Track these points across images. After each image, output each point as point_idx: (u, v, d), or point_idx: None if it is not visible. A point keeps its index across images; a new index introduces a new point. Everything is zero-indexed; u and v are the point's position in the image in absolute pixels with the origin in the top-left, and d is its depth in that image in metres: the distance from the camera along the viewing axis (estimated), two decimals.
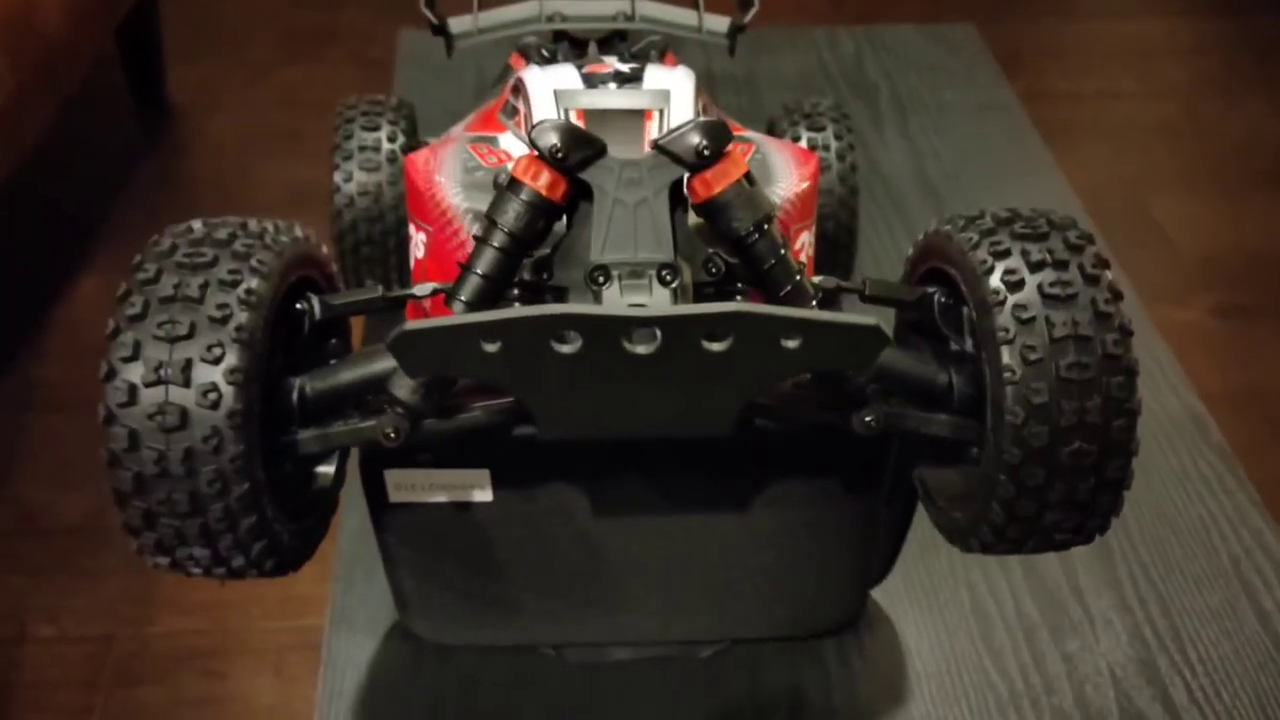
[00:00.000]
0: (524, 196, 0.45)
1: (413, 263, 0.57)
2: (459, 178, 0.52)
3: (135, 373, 0.40)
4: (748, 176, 0.45)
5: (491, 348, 0.38)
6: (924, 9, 1.76)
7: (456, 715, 0.55)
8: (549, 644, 0.57)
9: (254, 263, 0.42)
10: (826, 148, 0.71)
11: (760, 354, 0.39)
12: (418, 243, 0.55)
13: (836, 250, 0.71)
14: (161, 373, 0.40)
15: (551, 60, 0.66)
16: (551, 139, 0.44)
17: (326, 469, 0.48)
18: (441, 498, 0.50)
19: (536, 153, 0.45)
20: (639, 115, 0.52)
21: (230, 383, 0.40)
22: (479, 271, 0.45)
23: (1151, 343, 0.76)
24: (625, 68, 0.58)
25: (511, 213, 0.45)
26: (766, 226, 0.46)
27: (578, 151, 0.45)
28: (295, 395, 0.44)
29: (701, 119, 0.46)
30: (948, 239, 0.46)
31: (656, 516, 0.52)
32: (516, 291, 0.47)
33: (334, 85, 1.67)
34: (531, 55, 0.67)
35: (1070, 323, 0.41)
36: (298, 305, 0.46)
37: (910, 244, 0.50)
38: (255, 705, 0.98)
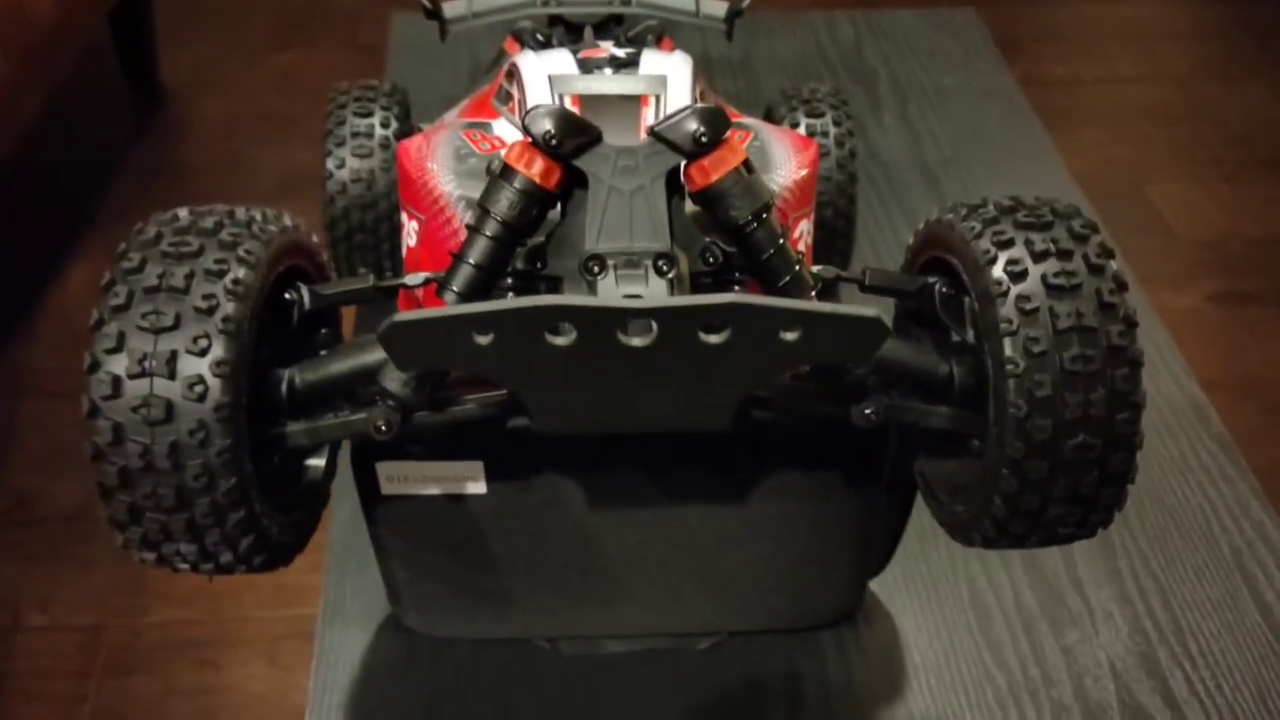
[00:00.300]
0: (517, 184, 0.44)
1: (405, 251, 0.56)
2: (451, 165, 0.51)
3: (119, 365, 0.39)
4: (746, 164, 0.45)
5: (484, 340, 0.37)
6: None
7: (451, 708, 0.55)
8: (544, 636, 0.56)
9: (241, 252, 0.41)
10: (825, 134, 0.70)
11: (759, 346, 0.38)
12: (410, 231, 0.54)
13: (834, 237, 0.71)
14: (146, 365, 0.39)
15: (546, 45, 0.66)
16: (545, 125, 0.43)
17: (316, 462, 0.47)
18: (434, 490, 0.50)
19: (530, 139, 0.44)
20: (635, 101, 0.51)
21: (217, 375, 0.39)
22: (471, 261, 0.44)
23: (1151, 330, 0.75)
24: (621, 53, 0.57)
25: (505, 201, 0.44)
26: (765, 215, 0.45)
27: (572, 138, 0.44)
28: (284, 387, 0.44)
29: (699, 105, 0.45)
30: (949, 228, 0.45)
31: (653, 508, 0.51)
32: (510, 281, 0.46)
33: (328, 69, 1.66)
34: (526, 40, 0.66)
35: (1074, 314, 0.41)
36: (287, 295, 0.45)
37: (909, 230, 0.49)
38: (249, 694, 0.98)
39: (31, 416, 1.20)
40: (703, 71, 0.59)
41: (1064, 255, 0.42)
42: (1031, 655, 0.58)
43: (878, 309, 0.38)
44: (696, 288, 0.46)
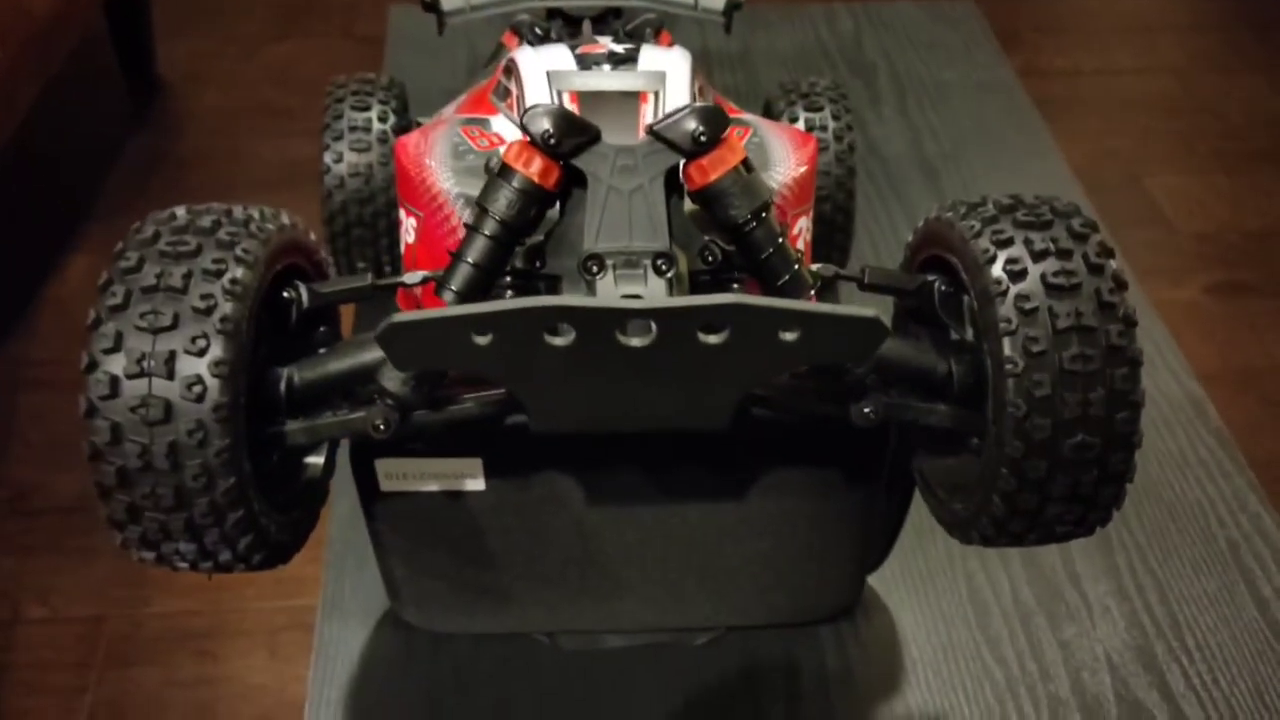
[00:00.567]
0: (516, 183, 0.44)
1: (403, 247, 0.56)
2: (449, 162, 0.51)
3: (117, 364, 0.39)
4: (745, 163, 0.44)
5: (482, 340, 0.37)
6: None
7: (450, 703, 0.55)
8: (543, 632, 0.56)
9: (239, 251, 0.41)
10: (824, 128, 0.70)
11: (758, 346, 0.38)
12: (408, 227, 0.54)
13: (833, 232, 0.70)
14: (144, 364, 0.39)
15: (545, 39, 0.65)
16: (544, 125, 0.43)
17: (315, 460, 0.47)
18: (433, 487, 0.50)
19: (529, 138, 0.44)
20: (634, 97, 0.51)
21: (215, 375, 0.39)
22: (470, 260, 0.44)
23: (1149, 324, 0.75)
24: (620, 48, 0.57)
25: (503, 200, 0.44)
26: (764, 214, 0.45)
27: (571, 138, 0.44)
28: (283, 385, 0.44)
29: (698, 104, 0.45)
30: (949, 226, 0.45)
31: (652, 505, 0.51)
32: (509, 280, 0.46)
33: (325, 61, 1.66)
34: (525, 33, 0.66)
35: (1073, 313, 0.41)
36: (285, 294, 0.45)
37: (908, 225, 0.49)
38: (248, 685, 0.98)
39: (30, 409, 1.20)
40: (701, 66, 0.59)
41: (1063, 254, 0.42)
42: (1029, 650, 0.58)
43: (876, 308, 0.38)
44: (695, 287, 0.46)
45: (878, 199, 0.86)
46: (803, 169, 0.53)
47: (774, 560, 0.53)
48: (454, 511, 0.51)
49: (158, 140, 1.60)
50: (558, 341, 0.37)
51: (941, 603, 0.60)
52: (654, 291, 0.42)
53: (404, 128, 0.68)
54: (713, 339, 0.37)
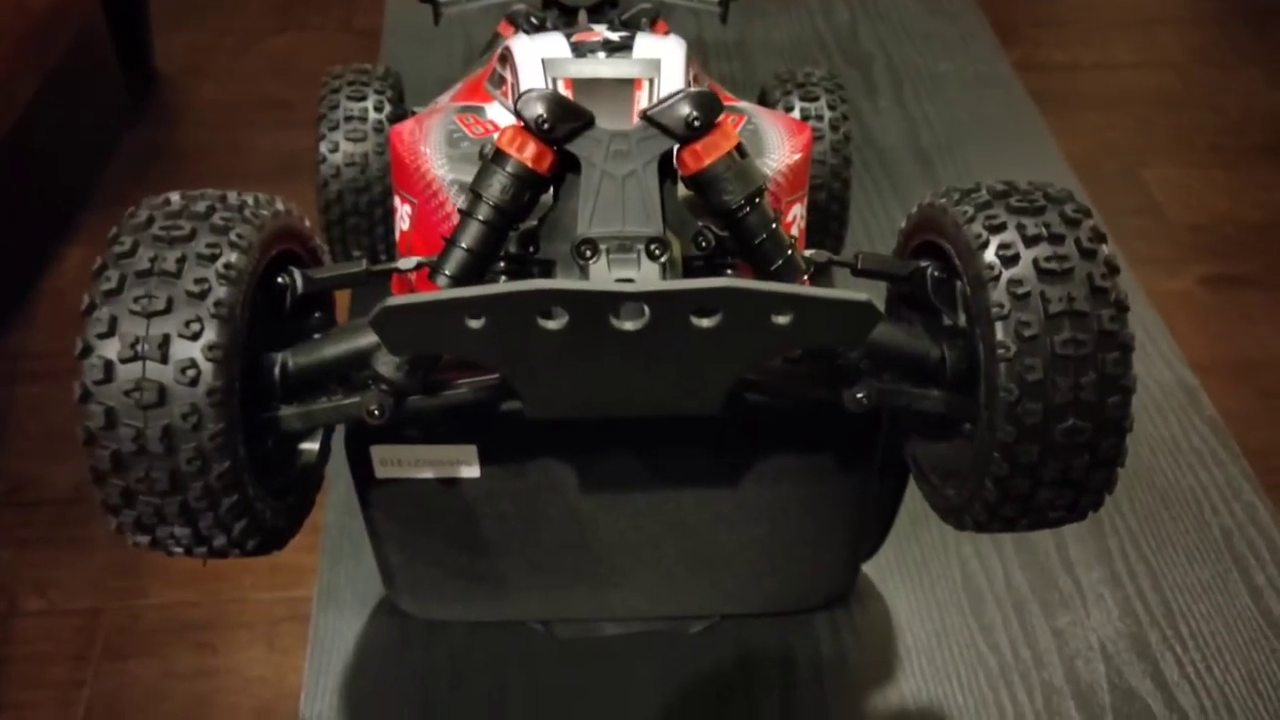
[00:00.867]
0: (509, 169, 0.44)
1: (398, 234, 0.56)
2: (444, 149, 0.51)
3: (111, 349, 0.39)
4: (739, 148, 0.45)
5: (475, 324, 0.37)
6: None
7: (445, 690, 0.55)
8: (538, 619, 0.57)
9: (233, 236, 0.41)
10: (819, 118, 0.70)
11: (750, 330, 0.38)
12: (403, 215, 0.54)
13: (828, 220, 0.71)
14: (138, 349, 0.39)
15: (540, 28, 0.65)
16: (537, 110, 0.43)
17: (310, 445, 0.48)
18: (428, 473, 0.50)
19: (522, 124, 0.44)
20: (628, 85, 0.51)
21: (209, 359, 0.39)
22: (464, 245, 0.44)
23: (1143, 313, 0.76)
24: (615, 36, 0.57)
25: (497, 185, 0.44)
26: (757, 200, 0.45)
27: (565, 123, 0.44)
28: (277, 370, 0.44)
29: (692, 89, 0.45)
30: (942, 212, 0.45)
31: (647, 492, 0.51)
32: (503, 265, 0.46)
33: (323, 53, 1.66)
34: (520, 23, 0.66)
35: (1066, 298, 0.41)
36: (279, 279, 0.45)
37: (903, 214, 0.49)
38: (247, 677, 0.99)
39: (28, 401, 1.21)
40: (697, 54, 0.59)
41: (1056, 240, 0.42)
42: (1023, 637, 0.58)
43: (869, 293, 0.39)
44: (689, 272, 0.46)
45: (873, 189, 0.86)
46: (797, 156, 0.53)
47: (769, 547, 0.54)
48: (449, 498, 0.51)
49: (155, 133, 1.60)
50: (551, 325, 0.37)
51: (936, 590, 0.60)
52: (647, 276, 0.42)
53: (400, 117, 0.68)
54: (705, 323, 0.38)
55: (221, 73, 1.70)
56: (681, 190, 0.46)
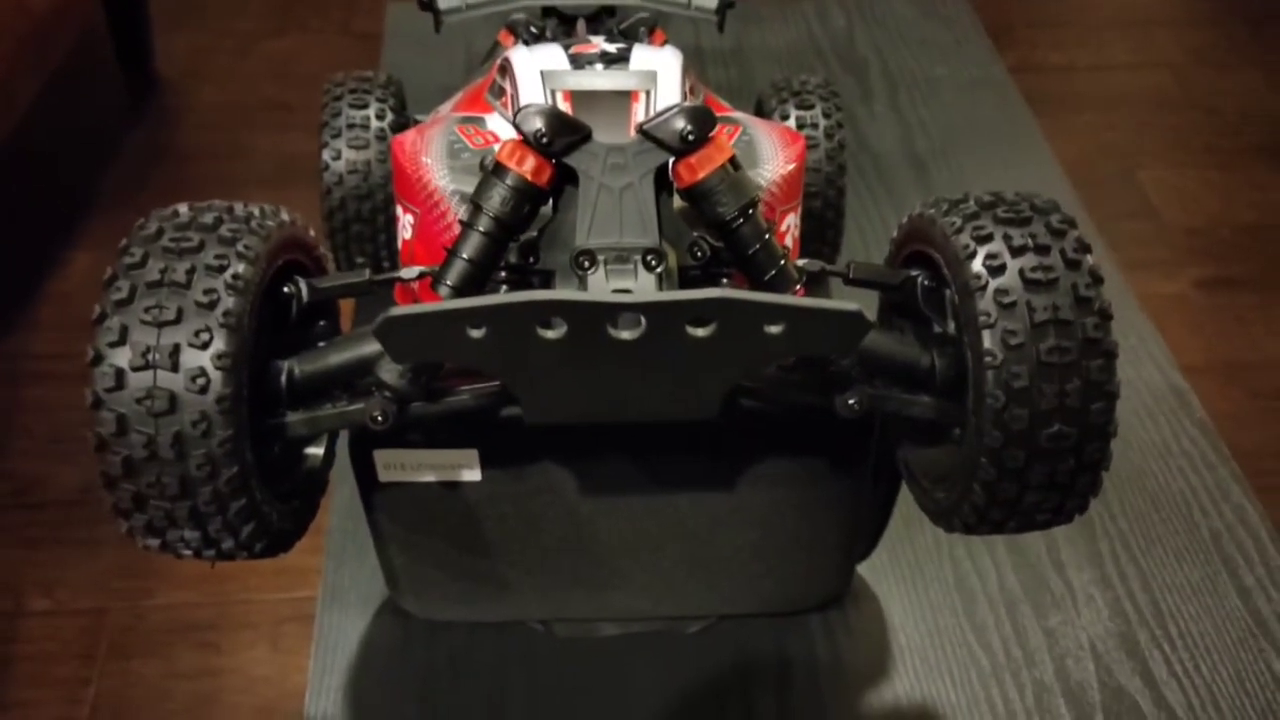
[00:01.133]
0: (509, 181, 0.45)
1: (400, 243, 0.57)
2: (445, 160, 0.52)
3: (123, 357, 0.40)
4: (732, 161, 0.45)
5: (477, 334, 0.38)
6: None
7: (447, 689, 0.56)
8: (538, 620, 0.58)
9: (240, 248, 0.42)
10: (815, 126, 0.71)
11: (744, 340, 0.39)
12: (405, 224, 0.55)
13: (824, 228, 0.71)
14: (149, 357, 0.40)
15: (540, 37, 0.66)
16: (536, 124, 0.44)
17: (315, 450, 0.48)
18: (430, 477, 0.51)
19: (522, 137, 0.45)
20: (625, 96, 0.52)
21: (218, 368, 0.40)
22: (465, 256, 0.45)
23: (1134, 316, 0.76)
24: (612, 47, 0.58)
25: (497, 198, 0.45)
26: (751, 211, 0.46)
27: (563, 137, 0.45)
28: (284, 378, 0.45)
29: (686, 104, 0.46)
30: (931, 223, 0.46)
31: (644, 495, 0.52)
32: (503, 275, 0.47)
33: (323, 57, 1.67)
34: (520, 32, 0.67)
35: (1051, 307, 0.42)
36: (285, 288, 0.46)
37: (898, 220, 0.50)
38: (251, 677, 0.99)
39: (33, 402, 1.21)
40: (694, 63, 0.60)
41: (1041, 250, 0.43)
42: (1014, 636, 0.59)
43: (860, 302, 0.40)
44: (685, 282, 0.47)
45: (868, 195, 0.87)
46: (791, 167, 0.54)
47: (764, 549, 0.54)
48: (451, 502, 0.52)
49: (156, 135, 1.60)
50: (550, 335, 0.38)
51: (929, 591, 0.61)
52: (644, 286, 0.43)
53: (401, 125, 0.69)
54: (700, 332, 0.38)
55: (222, 75, 1.70)
56: (677, 201, 0.47)
